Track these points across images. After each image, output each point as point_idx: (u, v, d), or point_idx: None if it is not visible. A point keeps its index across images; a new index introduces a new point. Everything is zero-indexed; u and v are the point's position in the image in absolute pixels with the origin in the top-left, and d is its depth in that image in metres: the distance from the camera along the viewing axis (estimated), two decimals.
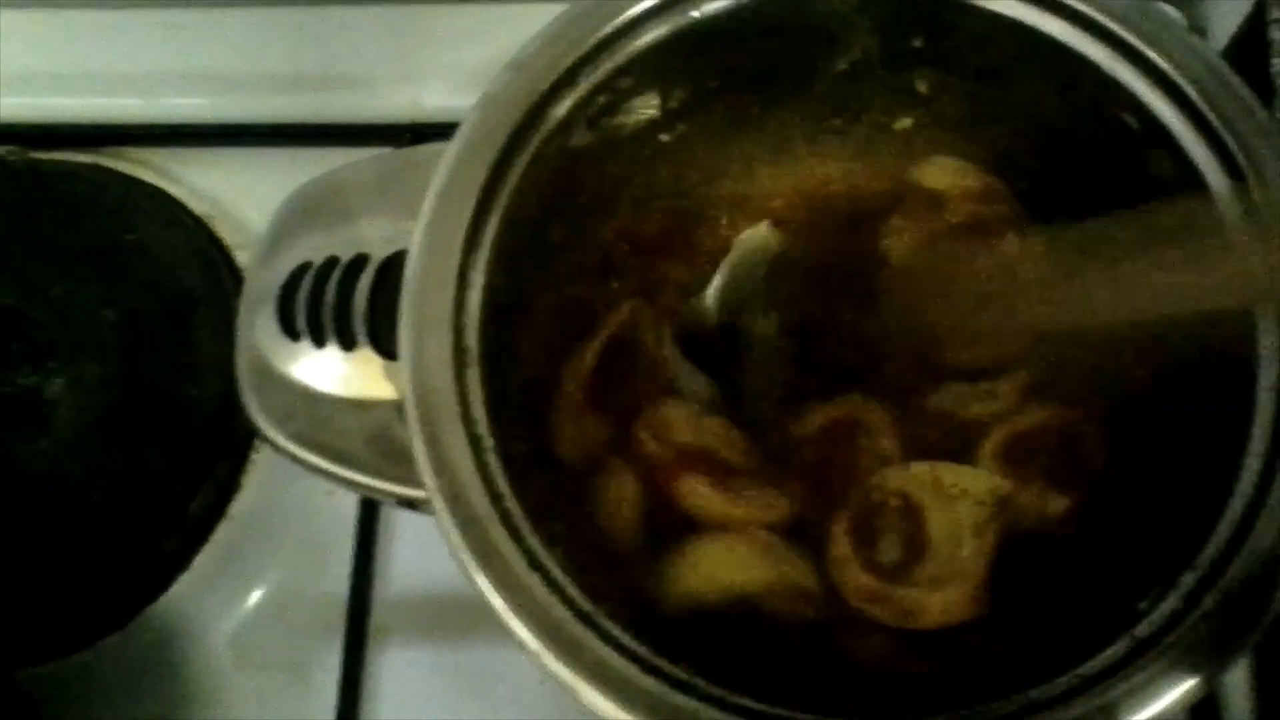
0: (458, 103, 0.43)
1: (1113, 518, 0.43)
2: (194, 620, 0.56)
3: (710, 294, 0.49)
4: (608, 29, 0.43)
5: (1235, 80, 0.40)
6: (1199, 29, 0.59)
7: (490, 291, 0.41)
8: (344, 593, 0.55)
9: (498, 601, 0.36)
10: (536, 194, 0.43)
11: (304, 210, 0.47)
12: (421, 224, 0.41)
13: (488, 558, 0.36)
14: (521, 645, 0.35)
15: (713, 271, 0.49)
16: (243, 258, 0.62)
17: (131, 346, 0.59)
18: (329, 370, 0.44)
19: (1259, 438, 0.37)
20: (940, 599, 0.42)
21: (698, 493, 0.44)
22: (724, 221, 0.51)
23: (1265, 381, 0.37)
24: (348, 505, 0.57)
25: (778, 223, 0.50)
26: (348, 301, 0.45)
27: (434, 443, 0.38)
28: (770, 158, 0.50)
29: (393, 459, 0.41)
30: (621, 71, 0.43)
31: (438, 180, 0.41)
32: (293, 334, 0.45)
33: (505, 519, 0.37)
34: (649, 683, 0.35)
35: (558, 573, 0.37)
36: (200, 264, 0.61)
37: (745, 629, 0.42)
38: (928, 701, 0.36)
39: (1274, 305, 0.37)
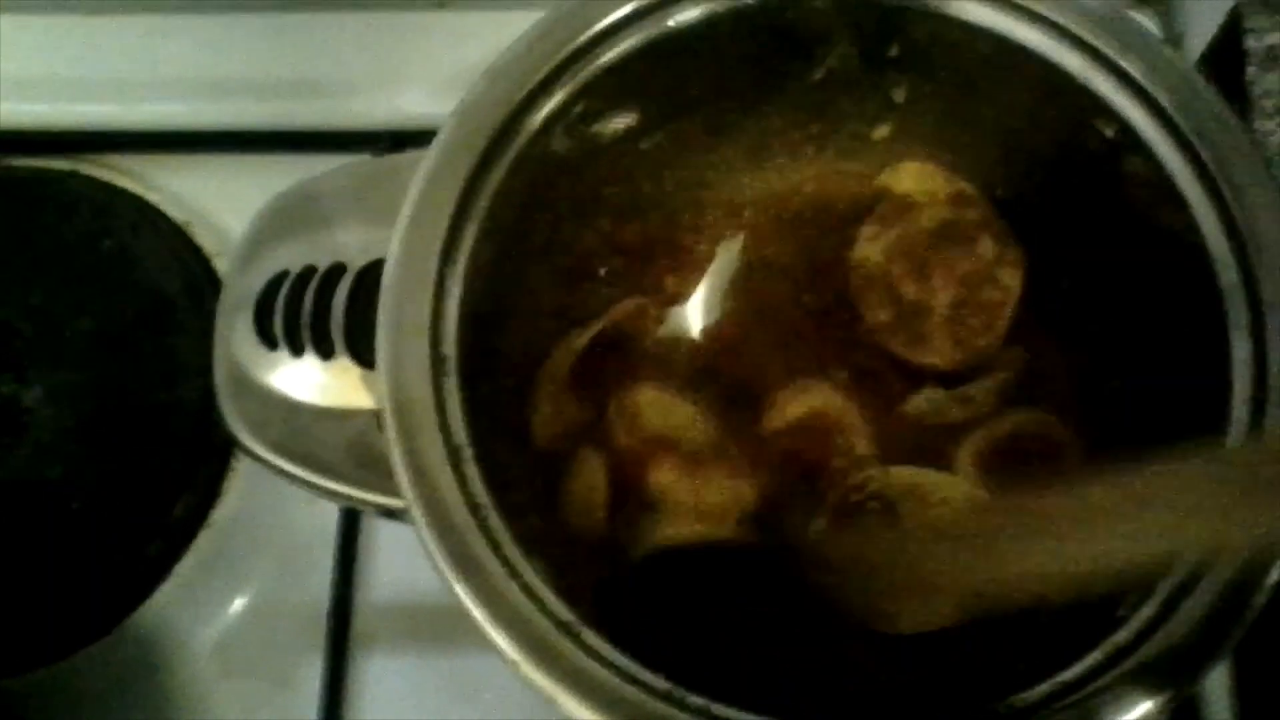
0: (436, 109, 0.43)
1: None
2: (176, 628, 0.56)
3: (693, 303, 0.49)
4: (585, 37, 0.43)
5: (1209, 90, 0.40)
6: (1174, 38, 0.60)
7: (468, 300, 0.41)
8: (326, 600, 0.55)
9: (477, 611, 0.36)
10: (514, 201, 0.43)
11: (282, 218, 0.47)
12: (399, 232, 0.41)
13: (467, 567, 0.36)
14: (501, 655, 0.35)
15: (691, 277, 0.50)
16: (221, 265, 0.62)
17: (110, 354, 0.59)
18: (307, 379, 0.44)
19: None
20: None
21: (666, 478, 0.44)
22: (702, 228, 0.51)
23: (1240, 393, 0.37)
24: (329, 513, 0.57)
25: (753, 229, 0.50)
26: (325, 310, 0.44)
27: (412, 452, 0.38)
28: (747, 165, 0.51)
29: (371, 468, 0.41)
30: (599, 79, 0.43)
31: (415, 188, 0.41)
32: (270, 343, 0.45)
33: (484, 528, 0.37)
34: (629, 692, 0.35)
35: (537, 582, 0.37)
36: (178, 271, 0.61)
37: (727, 637, 0.42)
38: (909, 709, 0.36)
39: (1246, 314, 0.38)
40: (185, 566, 0.57)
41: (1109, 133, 0.42)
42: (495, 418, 0.41)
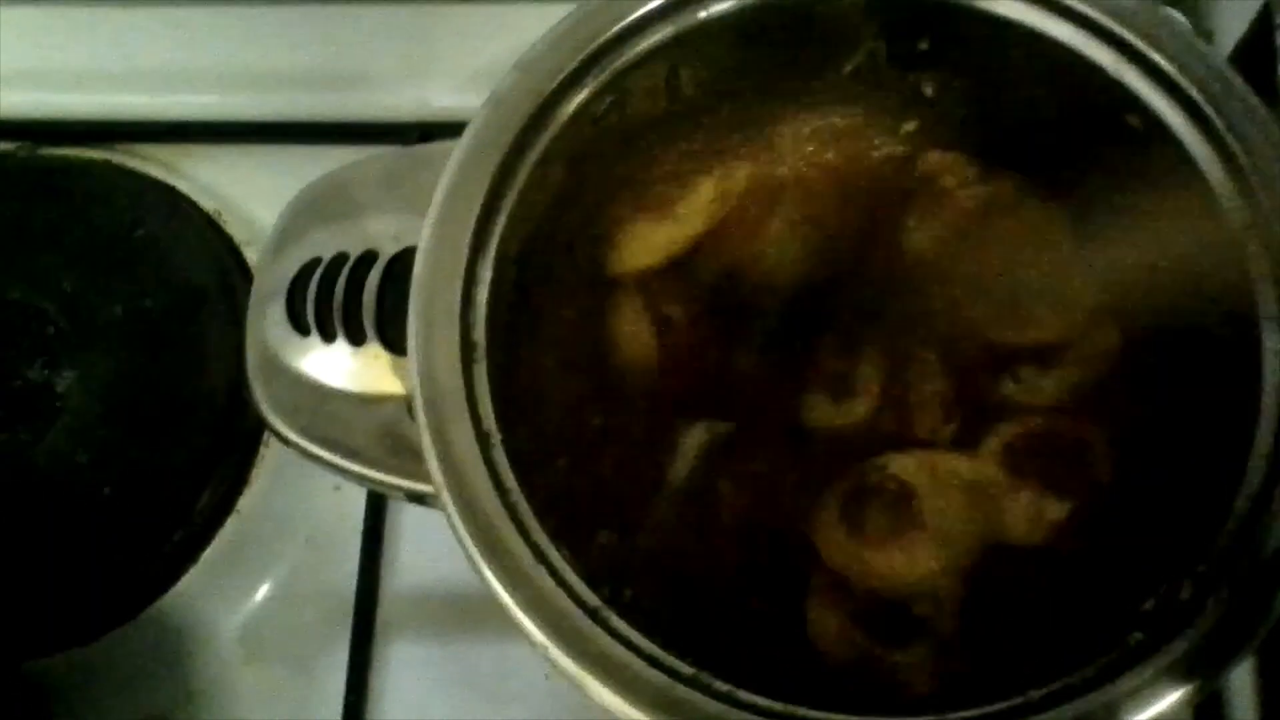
0: (466, 102, 0.43)
1: (1117, 518, 0.43)
2: (201, 614, 0.57)
3: None
4: (615, 29, 0.43)
5: (1240, 84, 0.40)
6: (1205, 36, 0.59)
7: (498, 288, 0.41)
8: (351, 588, 0.56)
9: (504, 596, 0.36)
10: (544, 192, 0.43)
11: (313, 207, 0.47)
12: (430, 221, 0.41)
13: (494, 552, 0.37)
14: (528, 639, 0.36)
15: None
16: (251, 254, 0.62)
17: (141, 342, 0.60)
18: (337, 365, 0.45)
19: (1264, 439, 0.37)
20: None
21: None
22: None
23: (1270, 382, 0.37)
24: (355, 501, 0.57)
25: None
26: (356, 297, 0.45)
27: (442, 438, 0.38)
28: (775, 157, 0.50)
29: (400, 454, 0.42)
30: (628, 72, 0.43)
31: (446, 178, 0.41)
32: (301, 329, 0.45)
33: (512, 513, 0.37)
34: (655, 676, 0.35)
35: (564, 567, 0.37)
36: (209, 260, 0.62)
37: (753, 623, 0.43)
38: (929, 700, 0.36)
39: (1276, 306, 0.38)
40: (211, 553, 0.57)
41: (1139, 126, 0.42)
42: (525, 405, 0.42)
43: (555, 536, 0.37)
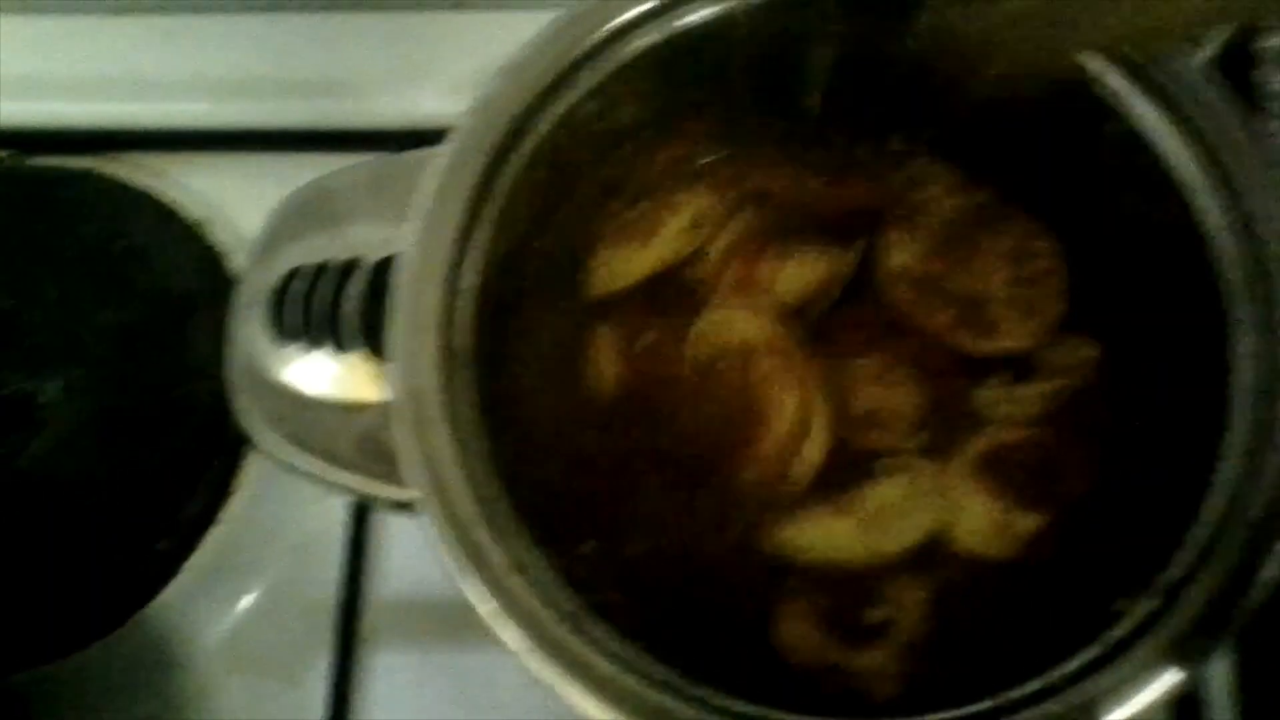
0: (451, 109, 0.43)
1: (1091, 519, 0.43)
2: (186, 624, 0.56)
3: None
4: (598, 36, 0.43)
5: (1220, 89, 0.40)
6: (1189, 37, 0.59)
7: (481, 295, 0.41)
8: (334, 596, 0.56)
9: (483, 603, 0.36)
10: (527, 198, 0.43)
11: (298, 215, 0.47)
12: (413, 227, 0.41)
13: (474, 560, 0.37)
14: (505, 645, 0.36)
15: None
16: (236, 262, 0.62)
17: (126, 350, 0.60)
18: (321, 373, 0.45)
19: (1236, 440, 0.37)
20: None
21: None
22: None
23: (1240, 383, 0.37)
24: (338, 511, 0.57)
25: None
26: (340, 305, 0.45)
27: (423, 445, 0.38)
28: (762, 164, 0.50)
29: (382, 461, 0.41)
30: (612, 78, 0.43)
31: (430, 184, 0.41)
32: (285, 338, 0.45)
33: (491, 520, 0.37)
34: (632, 682, 0.35)
35: (543, 575, 0.37)
36: (195, 268, 0.62)
37: (731, 627, 0.43)
38: (910, 700, 0.36)
39: (1250, 309, 0.38)
40: (195, 563, 0.57)
41: (1119, 131, 0.42)
42: (506, 412, 0.42)
43: (534, 544, 0.37)
